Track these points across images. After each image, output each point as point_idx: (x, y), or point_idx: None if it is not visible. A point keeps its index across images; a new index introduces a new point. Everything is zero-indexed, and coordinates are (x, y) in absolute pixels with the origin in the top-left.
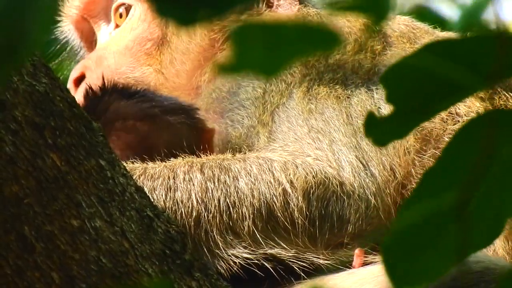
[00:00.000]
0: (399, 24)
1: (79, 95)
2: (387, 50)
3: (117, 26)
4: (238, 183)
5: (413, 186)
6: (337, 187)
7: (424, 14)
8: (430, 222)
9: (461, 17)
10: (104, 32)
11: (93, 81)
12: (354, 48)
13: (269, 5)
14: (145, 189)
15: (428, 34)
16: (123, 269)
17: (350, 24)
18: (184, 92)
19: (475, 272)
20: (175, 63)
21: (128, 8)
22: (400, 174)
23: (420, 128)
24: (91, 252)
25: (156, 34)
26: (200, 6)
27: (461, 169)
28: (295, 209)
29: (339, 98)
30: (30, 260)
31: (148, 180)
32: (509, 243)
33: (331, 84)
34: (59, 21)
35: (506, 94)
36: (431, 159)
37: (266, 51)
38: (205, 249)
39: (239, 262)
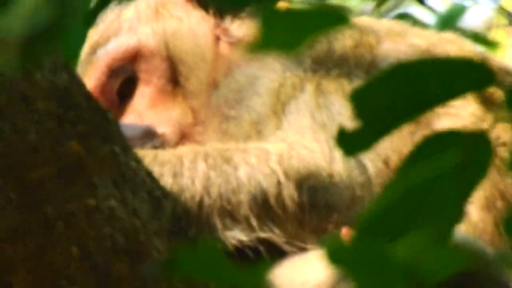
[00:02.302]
0: (386, 22)
1: None
2: (380, 43)
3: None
4: (238, 172)
5: None
6: (327, 178)
7: (405, 20)
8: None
9: (437, 24)
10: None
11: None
12: (352, 43)
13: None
14: (154, 173)
15: (413, 30)
16: (135, 244)
17: None
18: (204, 90)
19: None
20: (193, 76)
21: (130, 83)
22: (393, 161)
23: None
24: (106, 229)
25: (166, 75)
26: None
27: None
28: (287, 197)
29: (345, 92)
30: (52, 237)
31: (157, 166)
32: (484, 211)
33: (338, 79)
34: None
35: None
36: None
37: (287, 32)
38: (206, 230)
39: (234, 243)
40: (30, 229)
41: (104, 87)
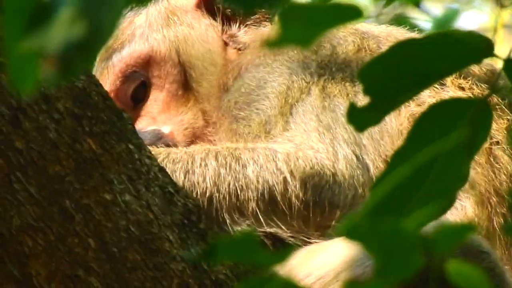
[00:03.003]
0: (385, 28)
1: None
2: (380, 47)
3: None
4: (246, 170)
5: None
6: (330, 177)
7: (402, 23)
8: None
9: (432, 27)
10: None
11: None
12: (353, 48)
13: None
14: (168, 171)
15: (411, 35)
16: (149, 236)
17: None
18: (214, 94)
19: None
20: (204, 80)
21: (143, 88)
22: None
23: (414, 112)
24: (121, 221)
25: (178, 80)
26: None
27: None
28: (293, 195)
29: (349, 95)
30: (70, 229)
31: (170, 163)
32: (479, 207)
33: (342, 83)
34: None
35: (482, 86)
36: None
37: (304, 28)
38: (215, 224)
39: None
40: (49, 221)
41: (118, 91)
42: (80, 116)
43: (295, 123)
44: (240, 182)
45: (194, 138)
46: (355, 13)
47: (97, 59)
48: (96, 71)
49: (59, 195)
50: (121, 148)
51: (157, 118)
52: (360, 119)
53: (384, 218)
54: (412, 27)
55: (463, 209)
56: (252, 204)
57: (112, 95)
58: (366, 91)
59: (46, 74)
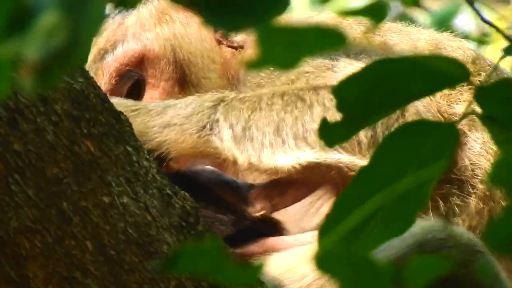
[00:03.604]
0: (390, 23)
1: None
2: (387, 39)
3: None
4: (313, 109)
5: None
6: (399, 115)
7: (405, 21)
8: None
9: (432, 24)
10: None
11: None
12: (362, 36)
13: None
14: (235, 109)
15: (416, 29)
16: (147, 238)
17: (355, 26)
18: (225, 87)
19: (439, 238)
20: (206, 77)
21: (138, 87)
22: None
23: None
24: (119, 224)
25: (173, 77)
26: (241, 14)
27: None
28: (362, 132)
29: None
30: (68, 231)
31: (237, 102)
32: (482, 204)
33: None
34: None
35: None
36: None
37: (285, 50)
38: (281, 152)
39: (308, 161)
40: (47, 223)
41: (114, 91)
42: (78, 118)
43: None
44: (307, 117)
45: None
46: (338, 39)
47: (88, 61)
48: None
49: (57, 197)
50: (119, 151)
51: None
52: (331, 134)
53: (356, 248)
54: (412, 23)
55: (467, 205)
56: (315, 135)
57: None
58: (339, 108)
59: (23, 81)
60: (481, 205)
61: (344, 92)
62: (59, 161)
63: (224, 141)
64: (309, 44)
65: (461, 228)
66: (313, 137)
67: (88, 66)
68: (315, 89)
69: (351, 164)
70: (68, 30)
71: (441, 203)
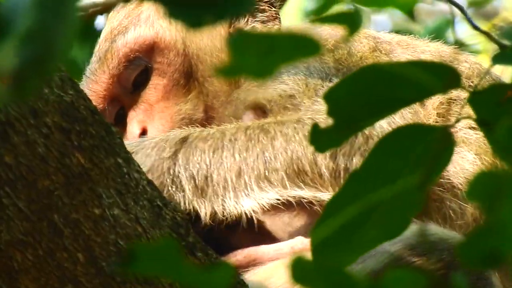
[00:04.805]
0: (393, 34)
1: None
2: (393, 51)
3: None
4: (274, 142)
5: None
6: (362, 144)
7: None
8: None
9: (425, 35)
10: (127, 96)
11: (156, 131)
12: (368, 49)
13: (253, 17)
14: (197, 150)
15: (421, 41)
16: None
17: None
18: (226, 91)
19: (431, 241)
20: (210, 77)
21: (145, 74)
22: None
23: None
24: (110, 235)
25: (180, 70)
26: (206, 11)
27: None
28: (323, 165)
29: None
30: (59, 243)
31: (200, 142)
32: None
33: None
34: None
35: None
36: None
37: (259, 58)
38: (243, 195)
39: (271, 202)
40: (38, 236)
41: (121, 76)
42: (68, 131)
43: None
44: (268, 153)
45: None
46: (313, 48)
47: (101, 38)
48: (97, 52)
49: (48, 210)
50: (110, 162)
51: (155, 106)
52: (322, 140)
53: (332, 261)
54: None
55: (463, 212)
56: (281, 173)
57: (114, 79)
58: (330, 113)
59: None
60: (478, 213)
61: (334, 97)
62: (50, 174)
63: (186, 194)
64: (284, 52)
65: (451, 232)
66: (275, 175)
67: (99, 43)
68: (281, 122)
69: (314, 199)
70: (42, 41)
71: (436, 208)
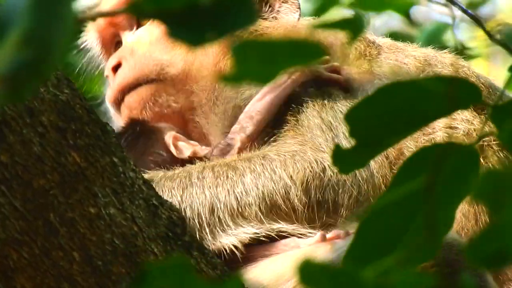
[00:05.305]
0: (387, 39)
1: (116, 81)
2: (381, 54)
3: (140, 25)
4: (244, 179)
5: None
6: (332, 176)
7: (396, 37)
8: (403, 204)
9: (423, 40)
10: (129, 34)
11: (129, 68)
12: (355, 54)
13: (272, 9)
14: (166, 189)
15: (412, 46)
16: (133, 249)
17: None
18: (211, 74)
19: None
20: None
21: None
22: (393, 155)
23: None
24: (106, 235)
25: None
26: (207, 29)
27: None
28: (295, 200)
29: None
30: (55, 242)
31: (168, 181)
32: (467, 206)
33: None
34: (82, 31)
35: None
36: (424, 138)
37: (261, 64)
38: (219, 231)
39: (249, 236)
40: (34, 235)
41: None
42: (64, 129)
43: (301, 121)
44: (239, 189)
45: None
46: (315, 52)
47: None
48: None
49: (44, 209)
50: (105, 162)
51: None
52: (345, 161)
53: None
54: (403, 39)
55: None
56: (255, 209)
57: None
58: (352, 134)
59: None
60: (467, 208)
61: (355, 117)
62: (46, 173)
63: None
64: (286, 58)
65: (454, 234)
66: (249, 210)
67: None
68: (247, 158)
69: (293, 231)
70: (38, 44)
71: None
